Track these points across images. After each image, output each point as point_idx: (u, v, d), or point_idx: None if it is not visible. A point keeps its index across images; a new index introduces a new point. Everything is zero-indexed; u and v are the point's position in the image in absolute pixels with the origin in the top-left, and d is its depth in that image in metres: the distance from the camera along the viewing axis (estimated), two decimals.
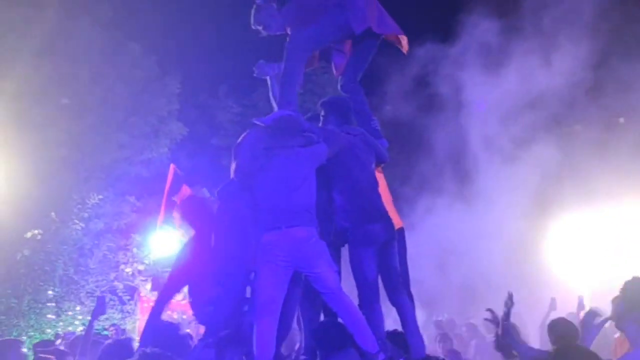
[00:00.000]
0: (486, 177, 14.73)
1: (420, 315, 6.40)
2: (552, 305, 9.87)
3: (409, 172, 16.52)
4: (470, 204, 14.67)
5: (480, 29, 14.52)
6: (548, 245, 15.32)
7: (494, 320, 6.00)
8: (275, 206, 5.14)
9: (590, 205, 14.42)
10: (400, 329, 5.64)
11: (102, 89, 15.73)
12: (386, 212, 5.69)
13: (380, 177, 5.99)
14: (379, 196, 5.76)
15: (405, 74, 15.43)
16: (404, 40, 6.45)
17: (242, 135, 5.90)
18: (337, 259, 5.59)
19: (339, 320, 5.25)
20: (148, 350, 3.56)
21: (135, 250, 16.22)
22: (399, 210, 6.29)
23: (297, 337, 6.20)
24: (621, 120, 15.98)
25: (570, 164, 14.22)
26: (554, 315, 9.97)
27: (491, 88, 14.33)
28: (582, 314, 8.62)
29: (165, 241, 13.61)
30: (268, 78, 6.36)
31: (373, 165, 5.89)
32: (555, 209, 14.81)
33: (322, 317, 5.66)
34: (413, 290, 5.84)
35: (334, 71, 6.57)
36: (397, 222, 5.88)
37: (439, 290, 13.98)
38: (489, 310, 6.07)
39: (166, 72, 17.65)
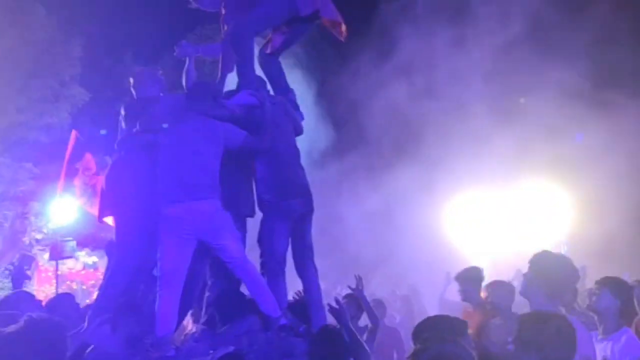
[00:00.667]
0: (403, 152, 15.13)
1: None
2: (447, 278, 10.13)
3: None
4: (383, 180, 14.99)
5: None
6: (454, 221, 15.78)
7: (354, 292, 6.21)
8: (178, 177, 5.03)
9: (494, 183, 14.92)
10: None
11: (1, 49, 15.01)
12: (307, 187, 5.69)
13: None
14: (301, 169, 5.74)
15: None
16: (342, 27, 6.31)
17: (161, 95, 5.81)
18: (242, 227, 5.55)
19: (240, 288, 5.27)
20: (34, 315, 3.41)
21: (33, 218, 15.71)
22: None
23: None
24: (522, 100, 16.51)
25: (478, 142, 14.63)
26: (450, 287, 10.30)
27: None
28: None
29: (65, 209, 13.19)
30: (187, 58, 6.23)
31: (294, 136, 5.87)
32: (461, 186, 15.24)
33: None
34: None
35: (269, 49, 6.41)
36: None
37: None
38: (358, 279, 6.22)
39: (69, 35, 17.02)
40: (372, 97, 15.83)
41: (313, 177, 6.05)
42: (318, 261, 5.67)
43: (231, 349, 4.31)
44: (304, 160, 5.86)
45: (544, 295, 4.10)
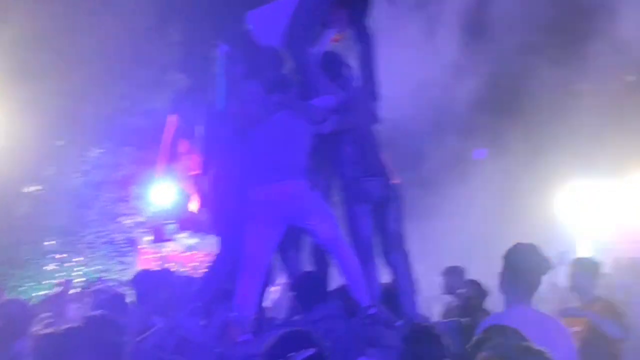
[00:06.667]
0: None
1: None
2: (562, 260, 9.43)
3: None
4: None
5: None
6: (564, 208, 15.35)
7: None
8: (267, 162, 4.99)
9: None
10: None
11: (101, 38, 15.39)
12: (388, 169, 5.54)
13: None
14: (380, 151, 5.60)
15: None
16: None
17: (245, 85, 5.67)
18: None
19: (327, 274, 5.23)
20: (97, 313, 3.49)
21: (135, 202, 16.12)
22: None
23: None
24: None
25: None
26: None
27: None
28: None
29: (165, 193, 13.46)
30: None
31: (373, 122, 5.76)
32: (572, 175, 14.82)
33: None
34: None
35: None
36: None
37: None
38: None
39: (168, 22, 17.28)
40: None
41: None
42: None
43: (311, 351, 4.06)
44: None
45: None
